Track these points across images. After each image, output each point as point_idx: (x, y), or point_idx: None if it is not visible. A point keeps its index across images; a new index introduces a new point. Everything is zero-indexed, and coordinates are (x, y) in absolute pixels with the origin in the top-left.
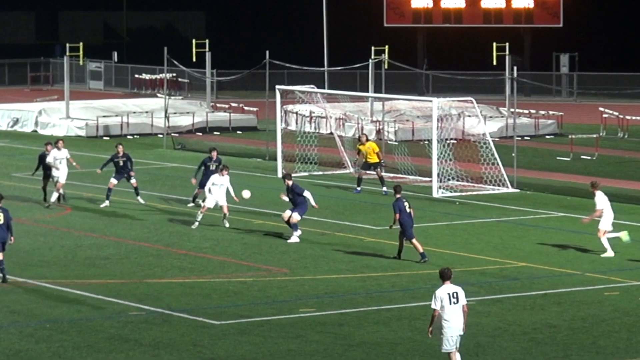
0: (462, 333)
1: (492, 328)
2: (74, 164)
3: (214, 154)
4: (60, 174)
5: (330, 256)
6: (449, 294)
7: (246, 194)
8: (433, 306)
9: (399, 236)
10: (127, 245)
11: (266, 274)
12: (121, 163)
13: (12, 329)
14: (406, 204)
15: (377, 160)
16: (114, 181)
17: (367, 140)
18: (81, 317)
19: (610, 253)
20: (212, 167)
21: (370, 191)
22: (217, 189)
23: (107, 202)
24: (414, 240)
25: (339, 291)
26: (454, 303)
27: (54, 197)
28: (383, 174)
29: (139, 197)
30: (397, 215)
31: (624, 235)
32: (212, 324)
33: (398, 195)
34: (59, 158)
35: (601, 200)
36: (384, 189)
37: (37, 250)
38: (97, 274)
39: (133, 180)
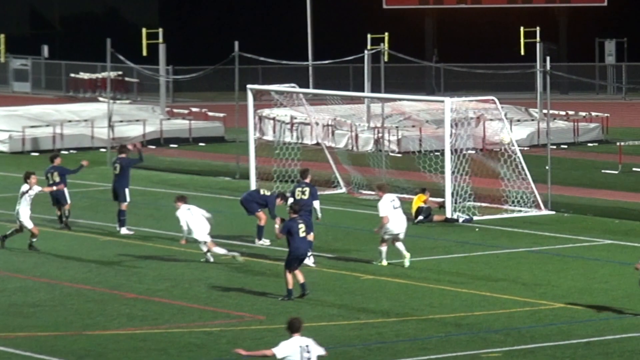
0: None
1: None
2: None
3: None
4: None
5: (317, 298)
6: (300, 347)
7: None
8: None
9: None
10: (62, 289)
11: (237, 322)
12: None
13: None
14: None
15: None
16: None
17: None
18: None
19: (384, 262)
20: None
21: (368, 216)
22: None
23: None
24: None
25: (330, 342)
26: (307, 358)
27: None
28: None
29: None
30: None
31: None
32: None
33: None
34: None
35: (385, 206)
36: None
37: None
38: (24, 325)
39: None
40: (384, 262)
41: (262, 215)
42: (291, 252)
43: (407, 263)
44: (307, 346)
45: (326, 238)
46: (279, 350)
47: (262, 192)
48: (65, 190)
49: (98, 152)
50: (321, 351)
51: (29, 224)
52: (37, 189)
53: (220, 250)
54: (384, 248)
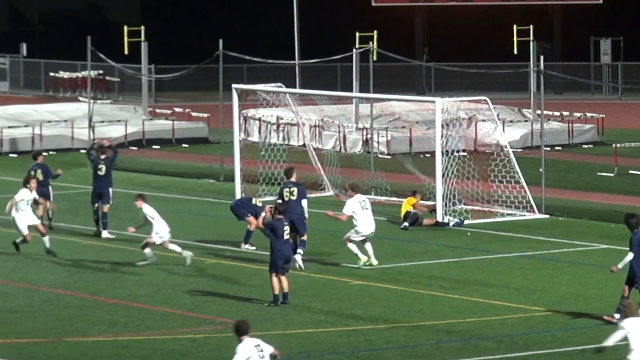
0: None
1: None
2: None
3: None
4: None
5: (304, 304)
6: (255, 346)
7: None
8: None
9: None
10: (41, 294)
11: (222, 329)
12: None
13: None
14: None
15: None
16: None
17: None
18: None
19: (362, 257)
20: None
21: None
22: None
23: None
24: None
25: (317, 349)
26: (261, 357)
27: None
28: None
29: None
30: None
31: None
32: None
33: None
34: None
35: (352, 205)
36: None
37: None
38: (2, 332)
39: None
40: (363, 258)
41: (253, 220)
42: (274, 253)
43: (374, 262)
44: (258, 345)
45: (314, 242)
46: (240, 357)
47: (254, 201)
48: (50, 189)
49: (78, 153)
50: (271, 349)
51: (24, 230)
52: (34, 194)
53: (174, 247)
54: (352, 246)
